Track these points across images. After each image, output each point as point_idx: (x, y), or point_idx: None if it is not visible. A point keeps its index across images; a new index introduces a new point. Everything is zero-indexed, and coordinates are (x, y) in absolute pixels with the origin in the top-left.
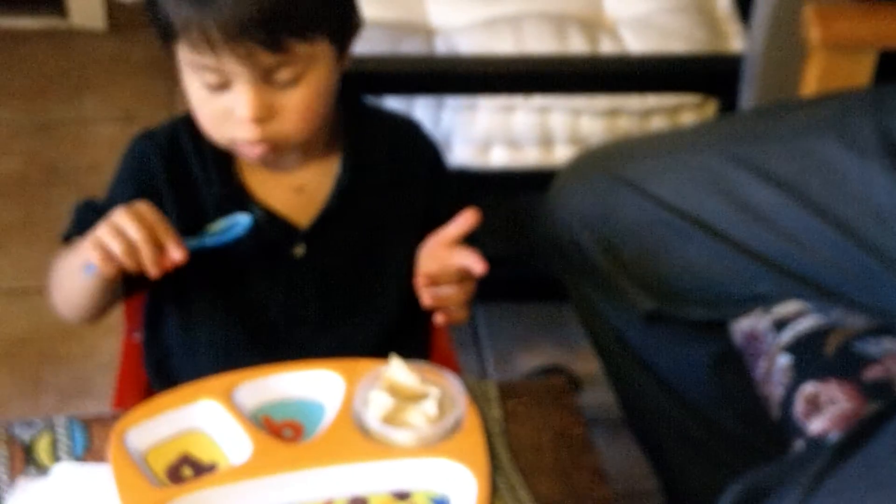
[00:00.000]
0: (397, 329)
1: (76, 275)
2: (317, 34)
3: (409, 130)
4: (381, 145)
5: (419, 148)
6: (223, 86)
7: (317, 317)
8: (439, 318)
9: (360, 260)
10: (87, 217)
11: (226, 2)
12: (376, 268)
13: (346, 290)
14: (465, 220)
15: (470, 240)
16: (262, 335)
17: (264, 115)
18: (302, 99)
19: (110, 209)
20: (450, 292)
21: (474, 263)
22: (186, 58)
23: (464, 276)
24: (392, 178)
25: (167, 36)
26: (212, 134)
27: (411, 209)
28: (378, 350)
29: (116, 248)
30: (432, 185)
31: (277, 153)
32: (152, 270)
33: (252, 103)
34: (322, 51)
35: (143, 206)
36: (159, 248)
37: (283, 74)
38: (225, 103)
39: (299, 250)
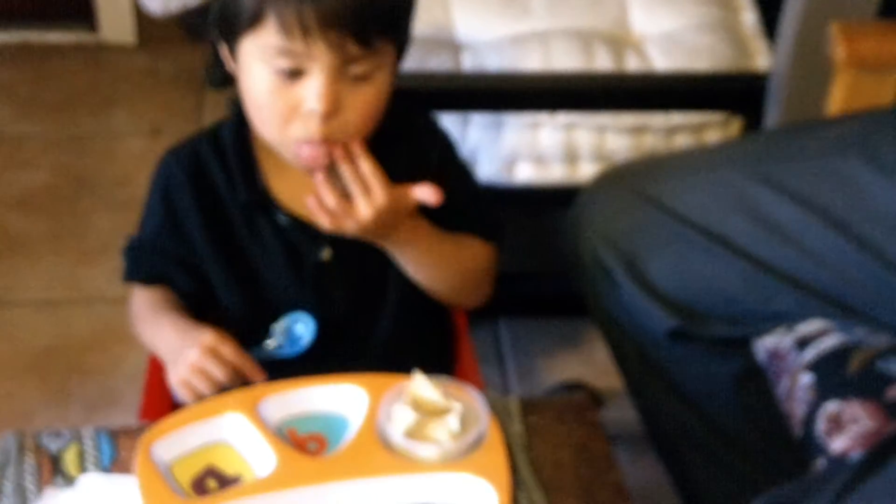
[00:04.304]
0: (420, 327)
1: (157, 350)
2: (394, 34)
3: (422, 125)
4: (395, 143)
5: (432, 141)
6: (295, 75)
7: (344, 319)
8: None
9: (385, 259)
10: (138, 257)
11: None
12: (396, 266)
13: (372, 290)
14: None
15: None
16: None
17: (333, 109)
18: (368, 97)
19: (149, 239)
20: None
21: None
22: (264, 43)
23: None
24: (408, 175)
25: (248, 21)
26: (272, 133)
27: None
28: (401, 351)
29: (206, 389)
30: (443, 175)
31: (330, 158)
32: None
33: (326, 92)
34: (390, 55)
35: (215, 342)
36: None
37: (359, 69)
38: (294, 95)
39: (326, 254)
